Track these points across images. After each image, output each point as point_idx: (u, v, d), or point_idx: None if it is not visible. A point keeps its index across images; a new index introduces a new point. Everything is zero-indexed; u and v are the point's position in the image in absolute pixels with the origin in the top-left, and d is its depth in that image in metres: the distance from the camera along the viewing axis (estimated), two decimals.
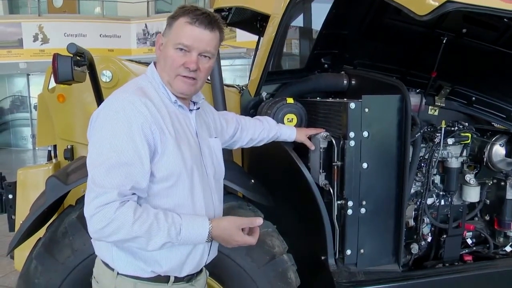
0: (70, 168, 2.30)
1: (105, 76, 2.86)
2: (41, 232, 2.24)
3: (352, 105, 1.92)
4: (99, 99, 2.61)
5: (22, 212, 2.50)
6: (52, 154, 3.11)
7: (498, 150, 2.40)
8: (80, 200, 2.24)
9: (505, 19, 1.86)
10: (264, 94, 2.57)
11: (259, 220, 1.54)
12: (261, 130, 2.15)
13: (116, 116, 1.40)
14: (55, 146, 3.07)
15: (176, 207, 1.50)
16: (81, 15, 13.84)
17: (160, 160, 1.46)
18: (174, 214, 1.44)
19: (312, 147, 2.16)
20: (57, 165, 2.90)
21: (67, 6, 14.67)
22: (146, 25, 12.85)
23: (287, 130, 2.21)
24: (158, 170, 1.46)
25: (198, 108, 1.68)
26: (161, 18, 13.07)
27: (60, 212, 2.27)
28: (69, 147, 2.92)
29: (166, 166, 1.46)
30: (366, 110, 1.93)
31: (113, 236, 1.37)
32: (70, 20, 12.81)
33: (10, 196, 2.73)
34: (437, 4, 1.57)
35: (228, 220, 1.53)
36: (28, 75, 15.36)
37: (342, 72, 2.52)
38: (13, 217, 2.70)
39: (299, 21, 3.02)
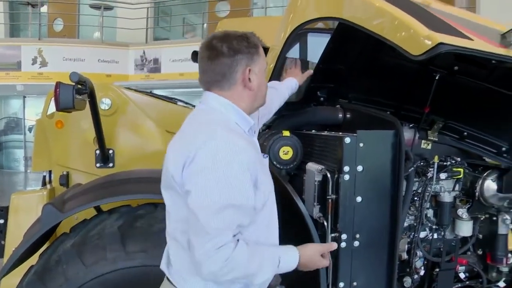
0: (67, 196, 2.31)
1: (104, 104, 2.90)
2: (31, 260, 2.23)
3: (347, 139, 1.96)
4: (98, 127, 2.63)
5: (13, 238, 2.49)
6: (47, 180, 3.11)
7: (490, 185, 2.43)
8: (75, 228, 2.24)
9: (493, 61, 1.92)
10: (260, 126, 2.60)
11: (335, 245, 1.78)
12: (278, 100, 2.28)
13: (223, 157, 1.41)
14: (50, 172, 3.07)
15: (262, 233, 1.57)
16: (80, 40, 13.99)
17: (257, 192, 1.50)
18: (270, 248, 1.55)
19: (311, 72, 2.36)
20: (51, 191, 2.91)
21: (67, 31, 14.87)
22: (144, 51, 12.99)
23: (290, 85, 2.39)
24: (258, 203, 1.51)
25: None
26: (159, 45, 13.27)
27: (53, 240, 2.26)
28: (64, 173, 2.93)
29: (261, 197, 1.53)
30: (361, 144, 1.97)
31: (228, 275, 1.43)
32: (69, 45, 12.93)
33: (1, 221, 2.72)
34: (430, 45, 1.63)
35: (312, 248, 1.67)
36: (24, 97, 15.39)
37: (338, 106, 2.56)
38: (2, 242, 2.68)
39: (296, 53, 3.08)
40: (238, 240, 1.44)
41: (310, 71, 2.44)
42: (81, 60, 12.49)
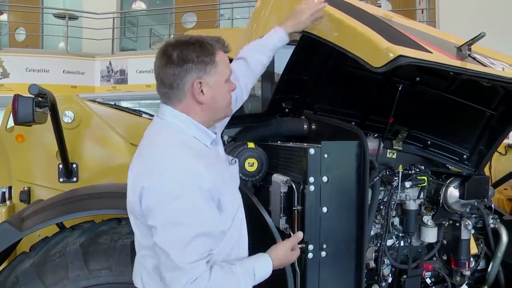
0: (26, 213, 2.23)
1: (67, 117, 2.83)
2: None
3: (312, 151, 1.96)
4: (60, 140, 2.57)
5: None
6: (7, 196, 3.00)
7: (453, 192, 2.49)
8: (35, 247, 2.16)
9: (451, 73, 1.98)
10: (225, 138, 2.60)
11: (301, 234, 1.75)
12: (253, 66, 1.98)
13: (183, 186, 1.35)
14: (10, 188, 2.96)
15: (233, 249, 1.56)
16: (44, 50, 13.57)
17: (222, 214, 1.47)
18: (243, 263, 1.52)
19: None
20: (11, 207, 2.81)
21: (30, 41, 14.46)
22: (110, 62, 12.77)
23: (276, 38, 2.01)
24: (224, 224, 1.48)
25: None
26: (126, 55, 13.07)
27: (12, 260, 2.17)
28: (25, 189, 2.83)
29: (228, 218, 1.50)
30: (325, 155, 1.98)
31: None
32: (32, 55, 12.54)
33: None
34: (391, 57, 1.67)
35: (281, 247, 1.65)
36: None
37: (303, 117, 2.58)
38: None
39: None
40: (212, 266, 1.40)
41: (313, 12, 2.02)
42: (45, 71, 12.14)
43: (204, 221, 1.37)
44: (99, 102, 3.17)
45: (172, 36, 13.34)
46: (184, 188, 1.35)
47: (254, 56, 1.99)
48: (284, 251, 1.64)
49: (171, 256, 1.35)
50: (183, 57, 1.44)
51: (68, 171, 2.80)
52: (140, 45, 14.53)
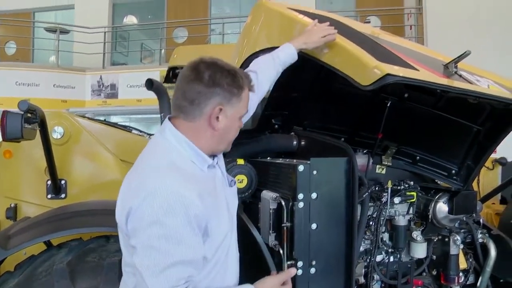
0: (13, 231, 2.20)
1: (56, 133, 2.82)
2: None
3: (301, 167, 1.97)
4: (49, 156, 2.55)
5: None
6: None
7: (442, 207, 2.50)
8: (21, 266, 2.13)
9: (438, 90, 2.01)
10: None
11: (294, 270, 1.71)
12: (263, 82, 2.01)
13: (168, 212, 1.32)
14: None
15: (217, 276, 1.52)
16: (34, 64, 13.56)
17: (208, 240, 1.45)
18: None
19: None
20: None
21: (20, 54, 14.43)
22: (101, 76, 12.77)
23: (287, 54, 2.05)
24: (208, 250, 1.45)
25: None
26: (117, 70, 13.10)
27: None
28: (12, 205, 2.80)
29: (214, 243, 1.47)
30: (314, 172, 1.98)
31: None
32: (22, 69, 12.49)
33: None
34: (379, 76, 1.69)
35: (270, 282, 1.59)
36: None
37: (292, 133, 2.59)
38: None
39: None
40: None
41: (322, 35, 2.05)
42: (35, 85, 12.09)
43: (185, 249, 1.34)
44: (89, 118, 3.17)
45: (163, 51, 13.42)
46: (168, 214, 1.33)
47: (265, 72, 2.02)
48: (273, 284, 1.59)
49: (145, 279, 1.33)
50: (215, 79, 1.45)
51: (56, 188, 2.78)
52: (131, 60, 14.57)
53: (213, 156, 1.60)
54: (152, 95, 2.87)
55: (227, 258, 1.57)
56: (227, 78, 1.47)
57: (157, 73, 9.91)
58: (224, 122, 1.50)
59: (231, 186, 1.70)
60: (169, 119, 1.55)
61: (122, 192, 1.47)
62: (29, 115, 2.24)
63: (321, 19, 2.09)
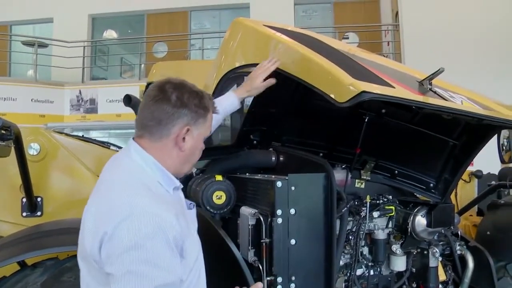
0: None
1: (32, 149, 2.78)
2: None
3: (279, 183, 1.97)
4: (25, 173, 2.51)
5: None
6: None
7: (420, 220, 2.52)
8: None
9: (413, 107, 2.05)
10: (194, 170, 2.58)
11: (260, 285, 1.71)
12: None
13: (146, 235, 1.28)
14: None
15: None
16: (12, 78, 13.34)
17: (183, 261, 1.42)
18: None
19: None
20: None
21: None
22: (80, 91, 12.64)
23: (227, 102, 2.24)
24: (183, 273, 1.42)
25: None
26: (96, 84, 12.98)
27: None
28: None
29: (188, 264, 1.46)
30: (293, 188, 1.99)
31: None
32: None
33: None
34: (354, 93, 1.72)
35: None
36: None
37: (271, 149, 2.60)
38: None
39: None
40: None
41: (262, 83, 2.27)
42: (12, 100, 11.87)
43: (166, 272, 1.30)
44: (66, 134, 3.12)
45: (142, 65, 13.37)
46: (147, 237, 1.29)
47: None
48: None
49: None
50: (183, 100, 1.46)
51: (32, 205, 2.72)
52: (110, 74, 14.48)
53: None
54: (131, 110, 2.85)
55: (199, 280, 1.56)
56: (195, 99, 1.49)
57: (137, 88, 9.87)
58: (190, 143, 1.51)
59: (190, 209, 1.68)
60: (133, 139, 1.53)
61: (90, 219, 1.41)
62: (3, 131, 2.20)
63: (297, 36, 2.12)
